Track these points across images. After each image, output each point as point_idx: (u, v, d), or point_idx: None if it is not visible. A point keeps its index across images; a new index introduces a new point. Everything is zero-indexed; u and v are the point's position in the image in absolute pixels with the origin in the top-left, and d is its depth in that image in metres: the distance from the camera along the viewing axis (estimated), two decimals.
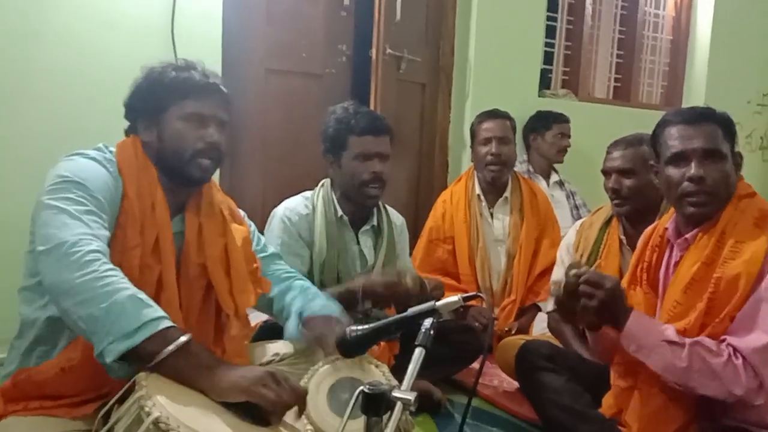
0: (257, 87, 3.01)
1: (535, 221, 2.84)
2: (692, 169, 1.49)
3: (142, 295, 1.15)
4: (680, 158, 1.52)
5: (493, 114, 2.88)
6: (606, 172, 2.11)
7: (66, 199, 1.22)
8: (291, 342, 1.56)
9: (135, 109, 1.44)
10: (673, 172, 1.54)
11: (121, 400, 1.10)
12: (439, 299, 1.14)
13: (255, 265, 1.56)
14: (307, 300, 1.59)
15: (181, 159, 1.40)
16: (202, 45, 2.64)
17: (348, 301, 1.81)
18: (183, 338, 1.13)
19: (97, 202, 1.25)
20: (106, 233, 1.23)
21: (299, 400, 1.19)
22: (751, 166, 4.50)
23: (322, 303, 1.58)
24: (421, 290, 1.86)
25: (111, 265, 1.16)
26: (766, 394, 1.38)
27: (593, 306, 1.49)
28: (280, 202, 2.15)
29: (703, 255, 1.48)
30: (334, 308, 1.57)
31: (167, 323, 1.14)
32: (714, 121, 1.53)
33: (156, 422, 1.01)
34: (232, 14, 2.77)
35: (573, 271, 1.54)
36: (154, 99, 1.41)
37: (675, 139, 1.53)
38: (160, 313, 1.15)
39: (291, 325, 1.53)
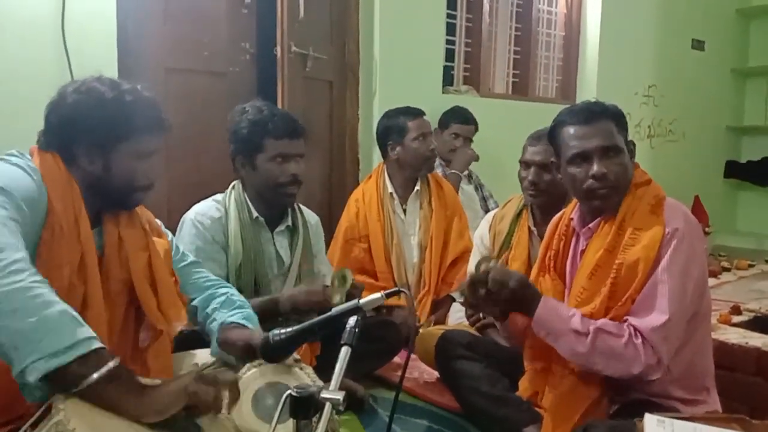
0: (156, 87, 2.85)
1: (443, 212, 2.90)
2: (594, 167, 1.56)
3: (74, 313, 1.08)
4: (581, 158, 1.59)
5: (418, 112, 2.92)
6: (525, 163, 2.17)
7: None
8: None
9: (80, 132, 1.32)
10: (576, 171, 1.60)
11: (34, 425, 1.03)
12: (360, 298, 1.15)
13: (174, 278, 1.52)
14: (227, 314, 1.56)
15: (125, 190, 1.37)
16: (96, 44, 2.51)
17: (270, 313, 1.79)
18: (112, 363, 1.07)
19: (21, 212, 1.16)
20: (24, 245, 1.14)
21: (232, 389, 1.18)
22: (640, 153, 4.78)
23: (241, 315, 1.55)
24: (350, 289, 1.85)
25: (40, 277, 1.07)
26: (664, 369, 1.48)
27: (500, 301, 1.55)
28: (188, 207, 2.08)
29: (606, 242, 1.56)
30: (250, 321, 1.55)
31: (98, 344, 1.08)
32: (607, 117, 1.60)
33: None
34: (126, 11, 2.64)
35: (482, 267, 1.59)
36: (107, 131, 1.32)
37: (574, 139, 1.60)
38: (92, 333, 1.08)
39: (213, 345, 1.50)
